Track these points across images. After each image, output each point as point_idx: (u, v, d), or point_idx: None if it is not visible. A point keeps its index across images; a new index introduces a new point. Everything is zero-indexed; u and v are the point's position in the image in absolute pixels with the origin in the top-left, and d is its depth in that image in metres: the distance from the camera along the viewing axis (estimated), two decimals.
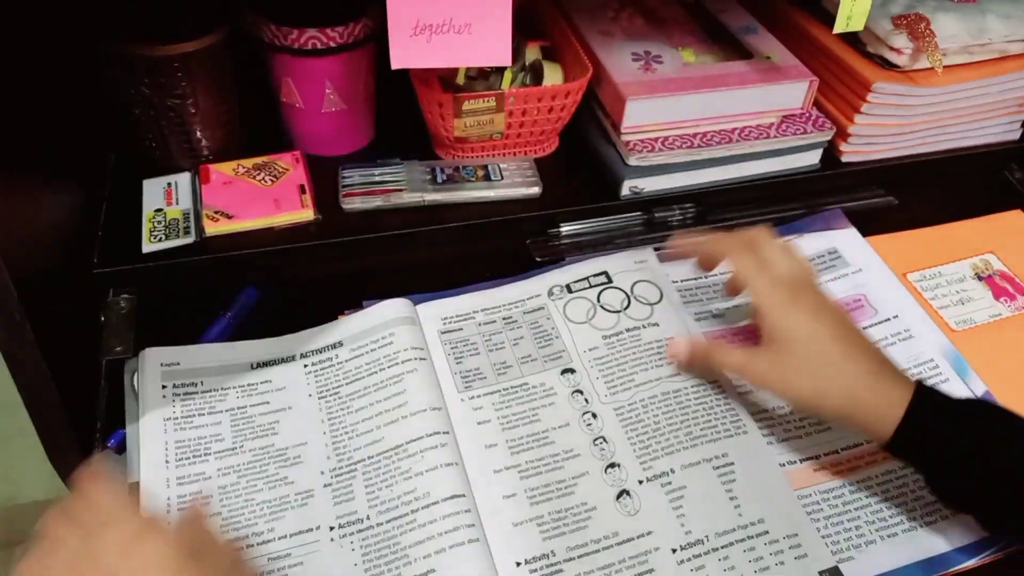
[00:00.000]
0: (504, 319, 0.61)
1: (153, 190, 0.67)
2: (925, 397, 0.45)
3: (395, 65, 0.55)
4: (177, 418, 0.54)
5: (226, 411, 0.55)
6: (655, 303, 0.62)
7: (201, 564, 0.38)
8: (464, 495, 0.50)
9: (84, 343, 0.58)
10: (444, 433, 0.53)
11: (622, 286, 0.62)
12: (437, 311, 0.60)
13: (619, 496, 0.51)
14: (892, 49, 0.69)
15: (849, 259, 0.68)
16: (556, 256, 0.67)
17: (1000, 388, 0.58)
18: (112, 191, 0.68)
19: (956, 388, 0.58)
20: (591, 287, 0.62)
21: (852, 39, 0.72)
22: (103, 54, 0.62)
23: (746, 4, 0.79)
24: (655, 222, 0.71)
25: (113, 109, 0.67)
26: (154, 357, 0.56)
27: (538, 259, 0.67)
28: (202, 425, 0.54)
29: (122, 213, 0.66)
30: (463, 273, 0.65)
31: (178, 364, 0.56)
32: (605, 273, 0.63)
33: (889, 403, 0.44)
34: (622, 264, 0.64)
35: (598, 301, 0.61)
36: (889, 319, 0.63)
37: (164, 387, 0.55)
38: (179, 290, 0.62)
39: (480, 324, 0.60)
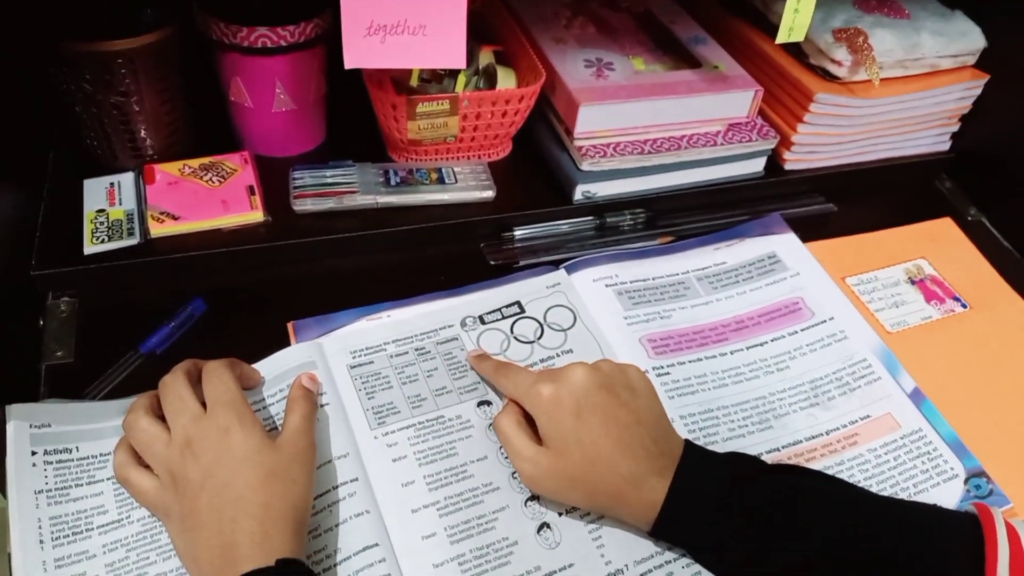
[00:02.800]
0: (417, 350, 0.59)
1: (95, 190, 0.65)
2: (679, 492, 0.46)
3: (348, 65, 0.54)
4: (51, 490, 0.48)
5: (108, 479, 0.49)
6: (568, 328, 0.62)
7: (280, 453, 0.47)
8: (378, 544, 0.48)
9: (23, 348, 0.56)
10: (353, 481, 0.51)
11: (535, 315, 0.62)
12: (345, 344, 0.58)
13: (540, 529, 0.50)
14: (833, 61, 0.72)
15: (787, 263, 0.70)
16: (510, 260, 0.67)
17: (928, 385, 0.60)
18: (51, 191, 0.66)
19: (887, 386, 0.61)
20: (504, 318, 0.61)
21: (795, 51, 0.75)
22: (43, 50, 0.60)
23: (695, 15, 0.80)
24: (607, 226, 0.72)
25: (53, 106, 0.65)
26: (22, 417, 0.50)
27: (492, 263, 0.67)
28: (80, 497, 0.48)
29: (62, 214, 0.64)
30: (417, 276, 0.64)
31: (49, 426, 0.50)
32: (518, 303, 0.63)
33: (648, 503, 0.47)
34: (534, 290, 0.64)
35: (511, 332, 0.61)
36: (825, 321, 0.65)
37: (34, 453, 0.49)
38: (123, 293, 0.61)
39: (392, 356, 0.58)
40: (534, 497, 0.52)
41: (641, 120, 0.70)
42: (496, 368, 0.55)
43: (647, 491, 0.46)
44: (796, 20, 0.62)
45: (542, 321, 0.62)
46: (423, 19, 0.53)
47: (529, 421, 0.51)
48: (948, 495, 0.54)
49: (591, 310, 0.63)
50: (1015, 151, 0.78)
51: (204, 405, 0.48)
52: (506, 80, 0.72)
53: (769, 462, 0.53)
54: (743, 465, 0.49)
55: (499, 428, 0.51)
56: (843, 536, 0.45)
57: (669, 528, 0.47)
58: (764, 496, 0.46)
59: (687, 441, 0.49)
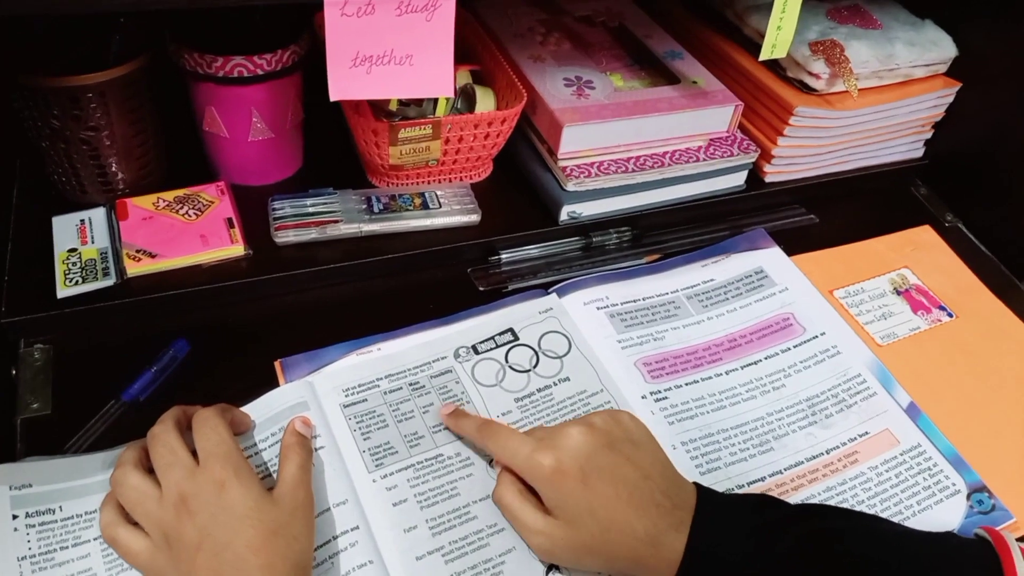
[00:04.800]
0: (411, 384, 0.57)
1: (64, 228, 0.62)
2: (698, 547, 0.45)
3: (334, 97, 0.53)
4: (35, 556, 0.46)
5: (95, 539, 0.47)
6: (564, 355, 0.61)
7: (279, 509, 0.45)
8: None
9: None
10: (354, 529, 0.49)
11: (529, 342, 0.61)
12: (337, 381, 0.56)
13: (548, 572, 0.49)
14: (811, 74, 0.72)
15: (775, 278, 0.70)
16: (499, 284, 0.66)
17: (923, 399, 0.61)
18: (17, 229, 0.63)
19: (883, 401, 0.61)
20: (497, 347, 0.60)
21: (772, 64, 0.75)
22: (7, 84, 0.57)
23: (668, 29, 0.80)
24: (593, 246, 0.71)
25: (15, 138, 0.62)
26: (1, 480, 0.47)
27: (481, 288, 0.66)
28: (66, 561, 0.46)
29: (31, 254, 0.61)
30: (405, 305, 0.63)
31: (30, 486, 0.48)
32: (511, 330, 0.61)
33: (667, 562, 0.45)
34: (527, 316, 0.62)
35: (506, 361, 0.59)
36: (817, 336, 0.65)
37: (15, 517, 0.47)
38: (100, 337, 0.58)
39: (385, 393, 0.56)
40: None
41: (624, 138, 0.69)
42: (479, 430, 0.51)
43: (666, 550, 0.45)
44: (779, 37, 0.62)
45: (537, 348, 0.61)
46: (409, 49, 0.52)
47: (527, 486, 0.48)
48: (952, 511, 0.54)
49: (585, 335, 0.62)
50: (988, 156, 0.79)
51: (195, 455, 0.46)
52: (485, 100, 0.71)
53: (776, 493, 0.52)
54: (761, 509, 0.47)
55: (502, 503, 0.49)
56: None
57: None
58: (789, 543, 0.45)
59: (698, 487, 0.48)
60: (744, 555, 0.45)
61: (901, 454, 0.57)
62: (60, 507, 0.48)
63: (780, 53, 0.63)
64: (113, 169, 0.63)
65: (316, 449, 0.52)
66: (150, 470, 0.46)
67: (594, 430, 0.47)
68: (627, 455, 0.47)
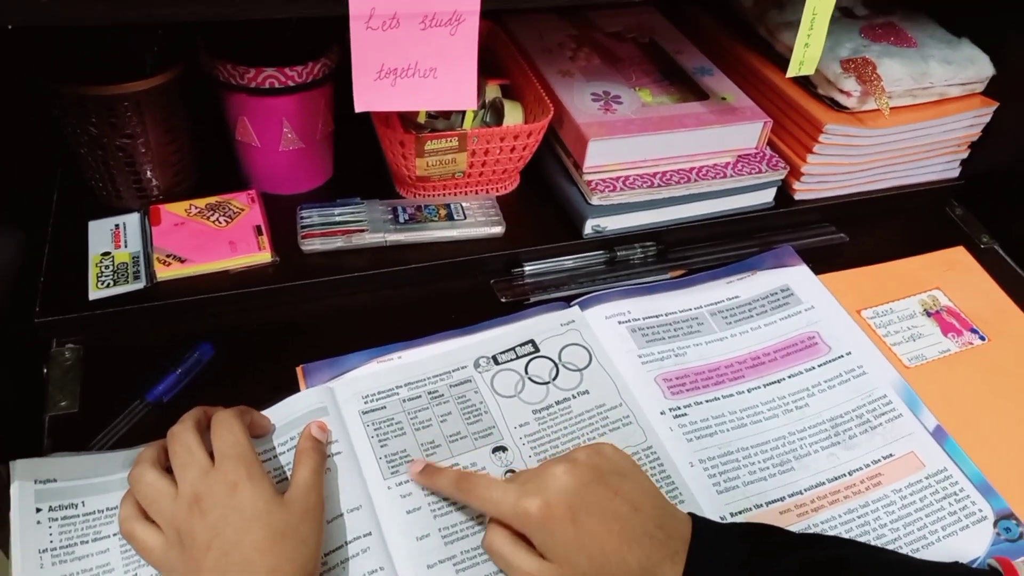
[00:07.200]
0: (430, 393, 0.57)
1: (100, 232, 0.64)
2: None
3: (359, 108, 0.53)
4: (55, 549, 0.47)
5: (114, 535, 0.48)
6: (584, 368, 0.60)
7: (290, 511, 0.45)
8: None
9: (26, 399, 0.55)
10: (366, 535, 0.49)
11: (549, 354, 0.61)
12: (356, 388, 0.57)
13: None
14: (842, 92, 0.71)
15: (801, 296, 0.69)
16: (521, 297, 0.66)
17: (950, 423, 0.59)
18: (55, 233, 0.65)
19: (909, 423, 0.59)
20: (518, 358, 0.60)
21: (803, 81, 0.74)
22: (47, 93, 0.59)
23: (700, 45, 0.80)
24: (617, 260, 0.71)
25: (56, 148, 0.64)
26: (26, 473, 0.49)
27: (503, 300, 0.66)
28: (86, 555, 0.47)
29: (66, 257, 0.63)
30: (428, 314, 0.63)
31: (54, 481, 0.49)
32: (531, 342, 0.62)
33: None
34: (548, 327, 0.63)
35: (526, 372, 0.60)
36: (842, 356, 0.64)
37: (39, 510, 0.48)
38: (129, 339, 0.60)
39: (404, 401, 0.57)
40: None
41: (650, 153, 0.69)
42: (457, 485, 0.49)
43: None
44: (807, 54, 0.61)
45: (557, 360, 0.61)
46: (434, 62, 0.52)
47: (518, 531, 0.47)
48: (978, 538, 0.53)
49: (606, 348, 0.62)
50: None
51: (212, 456, 0.47)
52: (513, 114, 0.71)
53: (795, 514, 0.51)
54: (757, 537, 0.46)
55: (491, 550, 0.47)
56: None
57: None
58: (783, 573, 0.43)
59: (693, 516, 0.47)
60: None
61: (926, 478, 0.56)
62: (83, 502, 0.49)
63: (808, 70, 0.62)
64: (148, 176, 0.65)
65: (332, 454, 0.53)
66: (169, 469, 0.47)
67: (578, 466, 0.46)
68: (615, 488, 0.46)
